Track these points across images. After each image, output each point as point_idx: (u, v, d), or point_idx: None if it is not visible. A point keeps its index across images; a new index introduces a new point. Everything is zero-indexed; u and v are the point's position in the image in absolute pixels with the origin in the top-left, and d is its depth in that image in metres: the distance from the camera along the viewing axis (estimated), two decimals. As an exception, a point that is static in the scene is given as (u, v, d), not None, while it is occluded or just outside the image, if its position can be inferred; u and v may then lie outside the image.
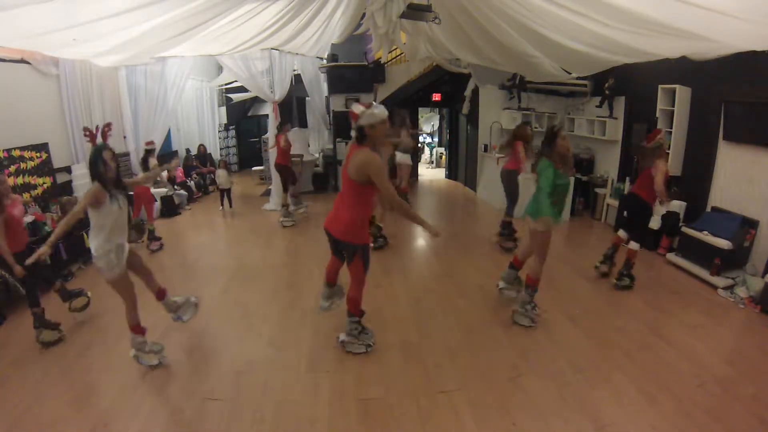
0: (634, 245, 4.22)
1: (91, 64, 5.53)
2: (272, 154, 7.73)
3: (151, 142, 5.79)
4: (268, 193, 8.33)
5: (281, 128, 6.71)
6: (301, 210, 7.05)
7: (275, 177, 7.74)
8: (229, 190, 7.61)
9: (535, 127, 7.63)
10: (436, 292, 4.27)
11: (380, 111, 2.79)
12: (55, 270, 4.51)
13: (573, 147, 7.38)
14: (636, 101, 6.07)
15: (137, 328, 3.01)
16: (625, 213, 4.81)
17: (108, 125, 3.00)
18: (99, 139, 2.92)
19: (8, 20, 3.19)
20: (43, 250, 2.51)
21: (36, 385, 2.87)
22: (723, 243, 4.26)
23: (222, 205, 7.64)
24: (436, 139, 13.50)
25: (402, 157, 7.04)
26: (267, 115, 8.44)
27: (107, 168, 2.70)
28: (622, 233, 4.42)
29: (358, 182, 2.78)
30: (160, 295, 3.31)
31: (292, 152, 7.03)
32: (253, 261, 5.22)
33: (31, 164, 4.85)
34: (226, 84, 9.88)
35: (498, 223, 5.68)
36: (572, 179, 3.70)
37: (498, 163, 7.53)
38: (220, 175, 7.53)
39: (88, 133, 2.92)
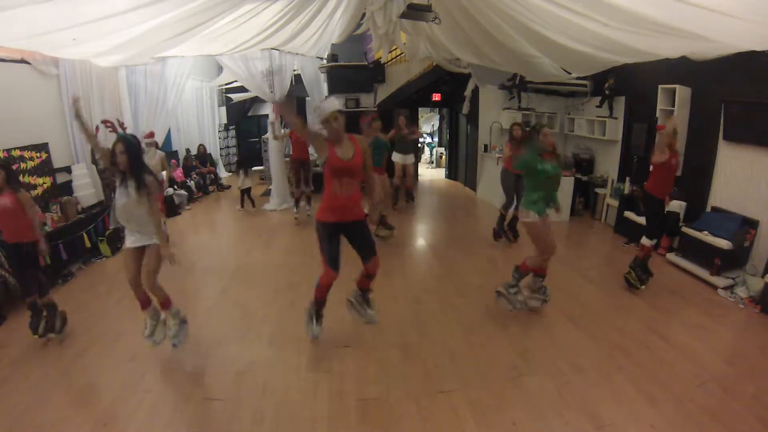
0: (646, 241, 4.14)
1: (91, 64, 5.52)
2: (273, 152, 7.76)
3: (151, 135, 5.77)
4: (268, 193, 8.34)
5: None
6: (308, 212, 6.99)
7: (276, 176, 7.77)
8: (249, 189, 7.73)
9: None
10: (436, 292, 4.27)
11: (326, 104, 2.90)
12: (56, 270, 4.53)
13: (573, 147, 7.47)
14: (636, 101, 6.07)
15: (141, 304, 3.17)
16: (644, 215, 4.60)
17: (121, 123, 3.10)
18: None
19: (8, 20, 3.18)
20: None
21: (35, 386, 2.87)
22: (723, 243, 4.26)
23: (253, 204, 7.75)
24: (436, 139, 13.50)
25: (402, 158, 7.07)
26: (267, 115, 8.44)
27: (115, 158, 2.86)
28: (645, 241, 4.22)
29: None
30: (143, 304, 3.22)
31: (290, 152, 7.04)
32: (253, 261, 5.22)
33: (31, 164, 4.84)
34: (226, 84, 9.88)
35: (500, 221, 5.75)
36: (565, 177, 3.68)
37: (498, 163, 7.55)
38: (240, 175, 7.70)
39: (109, 124, 3.04)
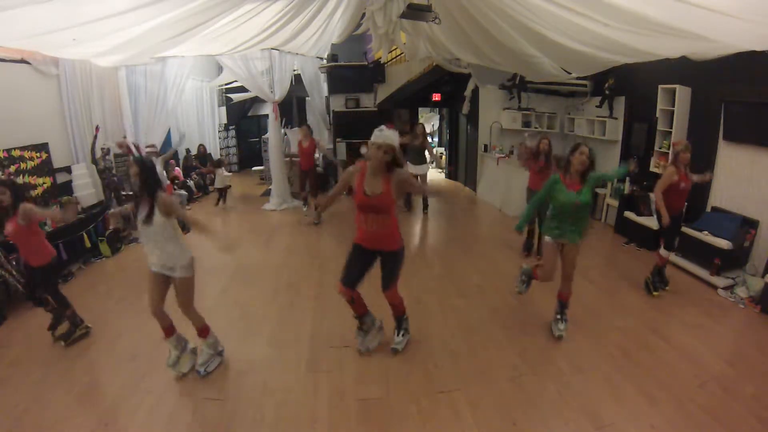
0: (663, 252, 4.11)
1: (91, 64, 5.53)
2: (273, 152, 7.78)
3: (152, 145, 5.83)
4: (268, 193, 8.34)
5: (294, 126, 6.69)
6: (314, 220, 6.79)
7: (276, 177, 7.77)
8: (224, 189, 7.92)
9: (535, 127, 7.65)
10: (436, 292, 4.26)
11: (387, 134, 2.76)
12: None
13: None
14: (636, 101, 6.07)
15: (164, 331, 2.99)
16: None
17: (137, 145, 2.97)
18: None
19: (8, 20, 3.19)
20: None
21: (36, 386, 2.87)
22: (723, 243, 4.26)
23: (217, 203, 7.99)
24: (436, 139, 13.50)
25: (415, 168, 6.79)
26: (267, 115, 8.45)
27: (131, 182, 2.78)
28: (663, 252, 4.16)
29: None
30: (166, 332, 3.02)
31: (291, 151, 7.02)
32: (253, 261, 5.22)
33: (31, 164, 4.85)
34: (226, 84, 9.88)
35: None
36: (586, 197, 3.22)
37: (498, 163, 7.55)
38: (218, 173, 7.88)
39: (125, 147, 2.93)
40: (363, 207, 2.82)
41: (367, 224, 2.86)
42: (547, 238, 3.33)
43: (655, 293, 4.13)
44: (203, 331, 3.04)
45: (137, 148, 2.74)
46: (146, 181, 2.71)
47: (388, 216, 2.84)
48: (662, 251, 4.14)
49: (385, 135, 2.73)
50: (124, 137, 6.27)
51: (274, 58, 7.22)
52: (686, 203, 4.10)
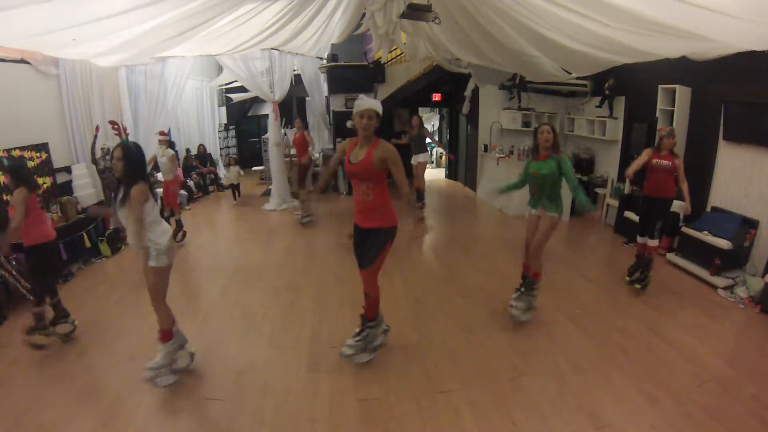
0: (651, 242, 4.17)
1: (91, 64, 5.52)
2: (273, 152, 7.79)
3: (163, 133, 5.95)
4: (268, 193, 8.35)
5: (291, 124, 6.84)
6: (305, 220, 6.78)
7: (276, 177, 7.78)
8: (238, 185, 8.51)
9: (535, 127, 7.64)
10: (436, 292, 4.27)
11: (366, 101, 2.79)
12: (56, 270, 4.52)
13: (573, 147, 7.46)
14: (636, 101, 6.07)
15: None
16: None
17: (125, 128, 2.86)
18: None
19: (8, 20, 3.18)
20: None
21: (36, 386, 2.87)
22: (723, 243, 4.26)
23: (235, 198, 8.49)
24: (436, 139, 13.49)
25: (414, 158, 6.84)
26: (267, 115, 8.46)
27: (113, 165, 2.69)
28: (651, 241, 4.19)
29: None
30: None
31: (291, 152, 7.02)
32: (253, 261, 5.22)
33: (31, 164, 4.84)
34: (226, 84, 9.88)
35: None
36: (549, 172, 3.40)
37: (498, 163, 7.55)
38: (233, 170, 8.42)
39: (116, 127, 2.84)
40: (349, 174, 2.89)
41: (355, 192, 2.93)
42: (527, 210, 3.70)
43: (627, 278, 4.23)
44: (163, 334, 2.86)
45: (125, 131, 2.56)
46: (128, 166, 2.63)
47: (374, 186, 2.84)
48: (638, 237, 4.25)
49: (365, 102, 2.78)
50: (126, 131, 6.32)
51: (274, 58, 7.22)
52: (675, 196, 4.13)
